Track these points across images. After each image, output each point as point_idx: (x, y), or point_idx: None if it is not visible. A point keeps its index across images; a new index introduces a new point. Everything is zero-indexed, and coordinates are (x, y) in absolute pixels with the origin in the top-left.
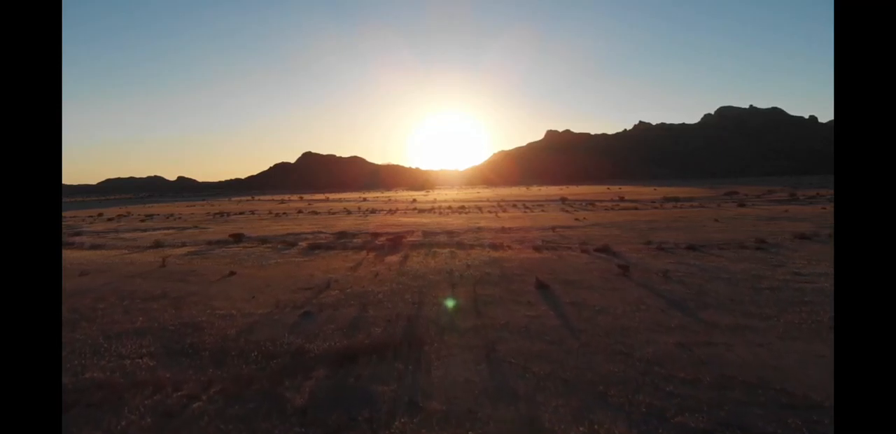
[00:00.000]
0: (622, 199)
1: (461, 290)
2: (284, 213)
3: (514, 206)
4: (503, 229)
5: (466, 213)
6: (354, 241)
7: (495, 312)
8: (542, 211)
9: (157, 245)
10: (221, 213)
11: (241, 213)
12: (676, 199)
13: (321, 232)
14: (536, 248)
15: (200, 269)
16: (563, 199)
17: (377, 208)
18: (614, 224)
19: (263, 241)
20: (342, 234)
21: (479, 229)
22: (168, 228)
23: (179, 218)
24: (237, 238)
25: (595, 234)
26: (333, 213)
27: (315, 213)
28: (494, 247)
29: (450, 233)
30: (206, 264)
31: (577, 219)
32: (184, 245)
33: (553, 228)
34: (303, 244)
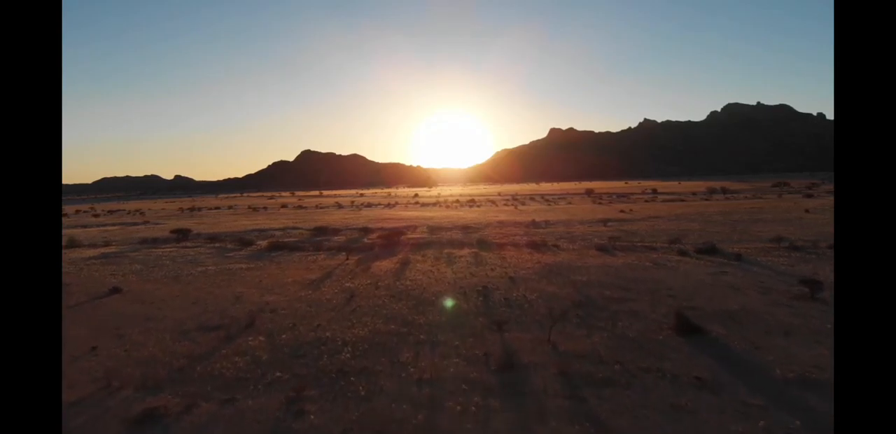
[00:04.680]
0: (656, 192)
1: (522, 340)
2: (265, 208)
3: (532, 199)
4: (534, 223)
5: (479, 206)
6: (334, 238)
7: (650, 431)
8: (569, 204)
9: (70, 245)
10: (193, 209)
11: (216, 208)
12: (725, 191)
13: (295, 227)
14: (602, 249)
15: (75, 284)
16: (590, 192)
17: (374, 203)
18: (679, 216)
19: (213, 238)
20: (320, 230)
21: (503, 224)
22: (117, 224)
23: (143, 214)
24: (181, 235)
25: (666, 228)
26: (322, 208)
27: (301, 207)
28: (536, 247)
29: (465, 228)
30: (96, 274)
31: (622, 211)
32: (106, 244)
33: (604, 222)
34: (262, 243)
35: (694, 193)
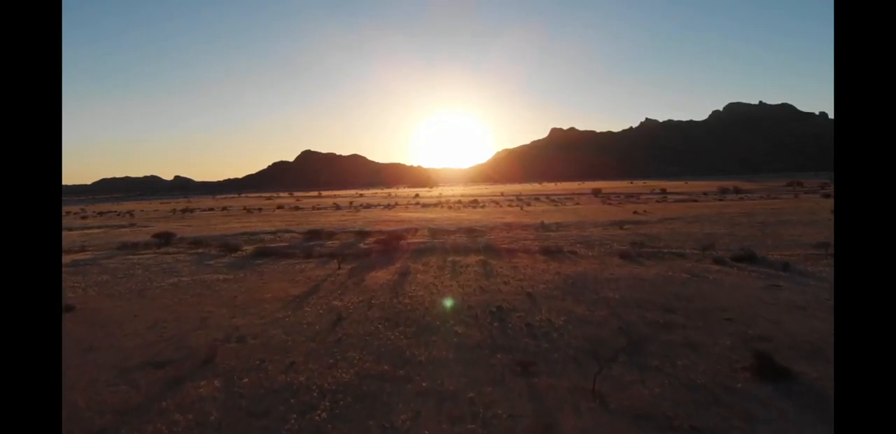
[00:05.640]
0: (665, 192)
1: (558, 390)
2: (260, 209)
3: (537, 199)
4: (543, 226)
5: (482, 207)
6: (328, 243)
7: None
8: (577, 204)
9: None
10: (186, 210)
11: (210, 210)
12: (738, 191)
13: (288, 230)
14: (626, 256)
15: None
16: (597, 192)
17: (374, 204)
18: (698, 218)
19: (197, 243)
20: (314, 234)
21: (510, 226)
22: (103, 227)
23: (133, 215)
24: (163, 240)
25: (689, 230)
26: (319, 209)
27: (298, 208)
28: (551, 253)
29: (470, 231)
30: None
31: (636, 212)
32: (82, 250)
33: (619, 224)
34: (248, 249)
35: (705, 193)
